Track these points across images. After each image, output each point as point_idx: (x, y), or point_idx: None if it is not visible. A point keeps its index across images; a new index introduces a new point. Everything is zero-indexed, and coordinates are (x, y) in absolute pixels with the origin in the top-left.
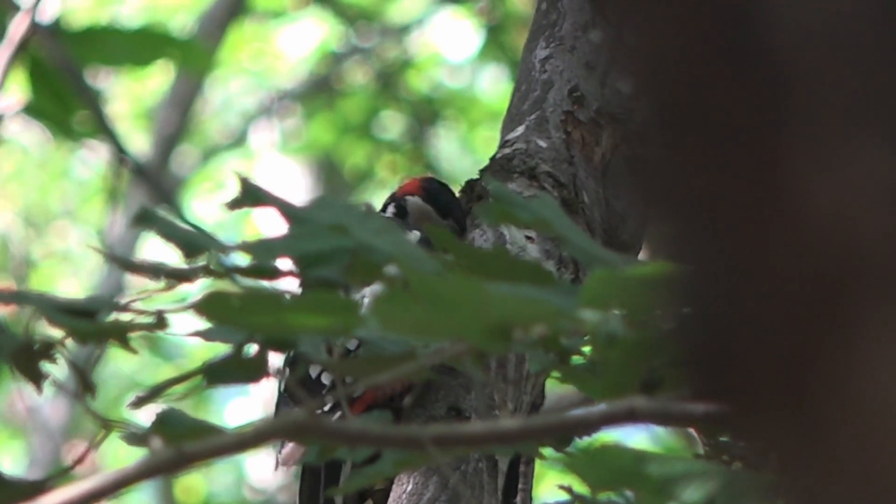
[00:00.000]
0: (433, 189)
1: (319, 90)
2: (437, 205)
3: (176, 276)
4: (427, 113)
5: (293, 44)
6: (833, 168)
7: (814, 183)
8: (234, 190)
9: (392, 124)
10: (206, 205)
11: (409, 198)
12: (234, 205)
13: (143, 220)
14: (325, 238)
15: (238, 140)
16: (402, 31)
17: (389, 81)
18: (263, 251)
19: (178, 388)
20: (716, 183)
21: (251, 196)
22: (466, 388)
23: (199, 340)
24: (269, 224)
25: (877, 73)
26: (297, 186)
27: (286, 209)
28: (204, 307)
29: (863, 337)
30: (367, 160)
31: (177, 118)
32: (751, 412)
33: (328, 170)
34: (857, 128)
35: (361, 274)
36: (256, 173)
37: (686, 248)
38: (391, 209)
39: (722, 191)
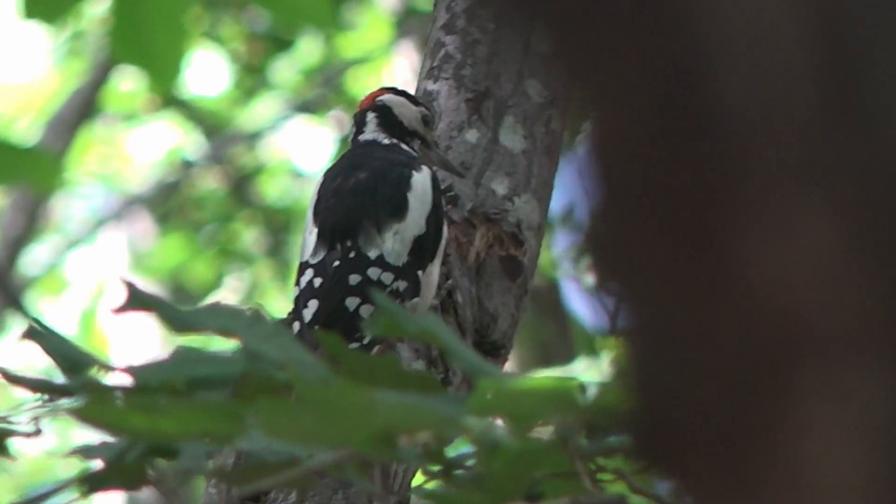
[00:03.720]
0: (395, 89)
1: (169, 195)
2: (406, 96)
3: (58, 392)
4: (280, 222)
5: (144, 147)
6: (773, 237)
7: (754, 251)
8: (117, 293)
9: (245, 233)
10: (52, 305)
11: (384, 98)
12: (121, 309)
13: (31, 335)
14: (211, 362)
15: (86, 240)
16: (254, 137)
17: (242, 188)
18: (148, 375)
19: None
20: (658, 249)
21: (137, 300)
22: (334, 489)
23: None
24: (115, 326)
25: (819, 144)
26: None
27: (172, 315)
28: (84, 412)
29: (799, 406)
30: (216, 271)
31: (23, 220)
32: (690, 478)
33: (175, 279)
34: (797, 198)
35: (251, 391)
36: (106, 282)
37: (630, 314)
38: (373, 118)
39: (664, 257)
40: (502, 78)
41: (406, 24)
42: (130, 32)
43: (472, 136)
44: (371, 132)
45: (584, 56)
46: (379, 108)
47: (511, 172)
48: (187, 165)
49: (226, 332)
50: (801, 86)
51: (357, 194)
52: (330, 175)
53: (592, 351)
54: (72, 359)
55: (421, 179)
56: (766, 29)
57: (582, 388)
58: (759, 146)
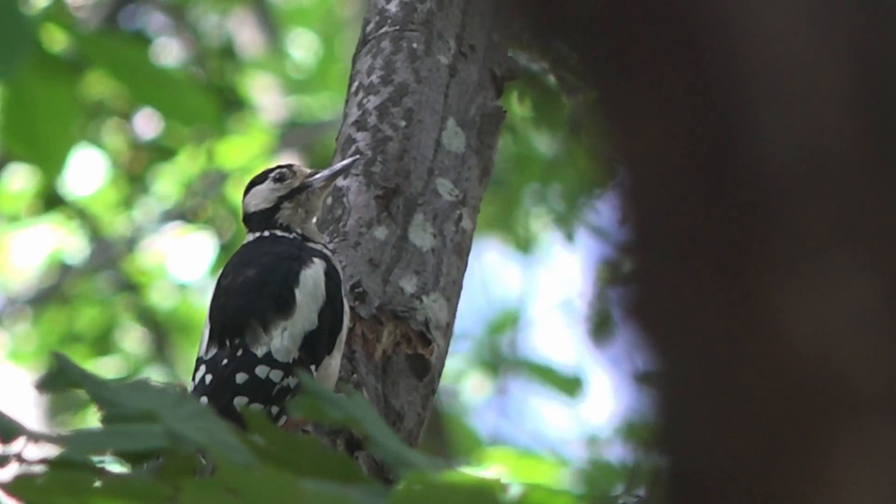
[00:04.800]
0: (250, 183)
1: (50, 298)
2: (256, 181)
3: None
4: (164, 328)
5: (26, 250)
6: (811, 292)
7: (793, 306)
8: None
9: (129, 337)
10: None
11: (243, 204)
12: (48, 384)
13: None
14: (139, 435)
15: None
16: (134, 241)
17: (125, 291)
18: (76, 444)
19: None
20: (695, 303)
21: (65, 375)
22: None
23: None
24: None
25: (860, 199)
26: (26, 396)
27: (98, 392)
28: (12, 487)
29: (835, 465)
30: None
31: None
32: None
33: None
34: (838, 253)
35: (174, 472)
36: None
37: (664, 368)
38: (246, 227)
39: (701, 311)
40: (413, 175)
41: (289, 134)
42: (21, 126)
43: (381, 233)
44: (252, 234)
45: (622, 107)
46: (245, 216)
47: (420, 271)
48: (67, 268)
49: (150, 412)
50: (843, 141)
51: (245, 292)
52: (224, 273)
53: (476, 461)
54: (4, 428)
55: (312, 274)
56: (807, 84)
57: (505, 486)
58: (799, 201)
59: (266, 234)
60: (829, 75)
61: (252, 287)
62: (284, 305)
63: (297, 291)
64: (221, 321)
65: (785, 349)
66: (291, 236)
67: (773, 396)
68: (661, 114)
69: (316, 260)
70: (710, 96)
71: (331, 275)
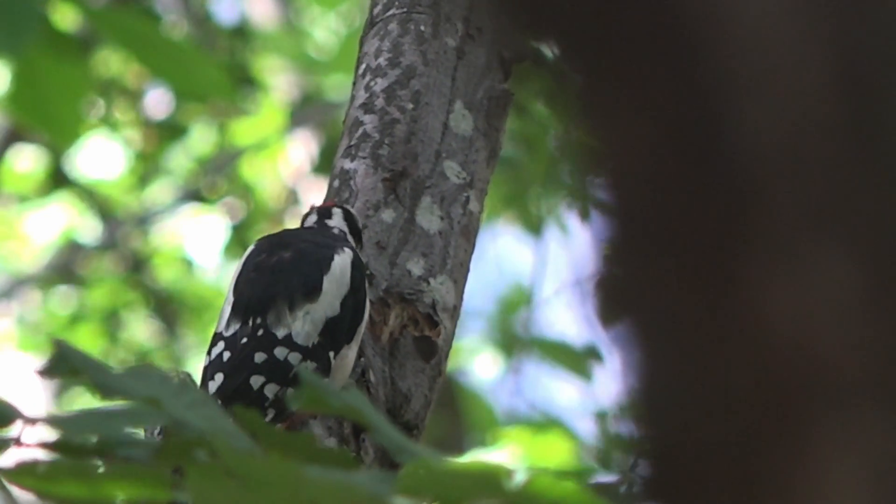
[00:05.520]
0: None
1: (61, 277)
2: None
3: None
4: (172, 308)
5: (37, 229)
6: (792, 278)
7: (773, 292)
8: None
9: (137, 318)
10: None
11: (335, 209)
12: (49, 371)
13: None
14: (138, 416)
15: None
16: (146, 221)
17: (135, 271)
18: (73, 427)
19: None
20: (675, 288)
21: (66, 362)
22: None
23: None
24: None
25: (841, 187)
26: (33, 378)
27: (100, 379)
28: (13, 475)
29: (816, 450)
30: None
31: None
32: None
33: None
34: (817, 238)
35: (173, 454)
36: None
37: (643, 354)
38: (339, 212)
39: (681, 296)
40: (420, 158)
41: (302, 112)
42: (31, 101)
43: (388, 215)
44: (336, 222)
45: (604, 95)
46: (345, 209)
47: (427, 253)
48: (78, 248)
49: (152, 400)
50: (823, 129)
51: (276, 272)
52: (257, 250)
53: (492, 439)
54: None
55: (340, 262)
56: (790, 72)
57: (510, 472)
58: (781, 188)
59: (315, 225)
60: (812, 63)
61: (284, 268)
62: (311, 289)
63: (325, 277)
64: (248, 296)
65: (766, 335)
66: (336, 231)
67: (754, 381)
68: (643, 102)
69: (346, 249)
70: (693, 84)
71: (357, 265)
